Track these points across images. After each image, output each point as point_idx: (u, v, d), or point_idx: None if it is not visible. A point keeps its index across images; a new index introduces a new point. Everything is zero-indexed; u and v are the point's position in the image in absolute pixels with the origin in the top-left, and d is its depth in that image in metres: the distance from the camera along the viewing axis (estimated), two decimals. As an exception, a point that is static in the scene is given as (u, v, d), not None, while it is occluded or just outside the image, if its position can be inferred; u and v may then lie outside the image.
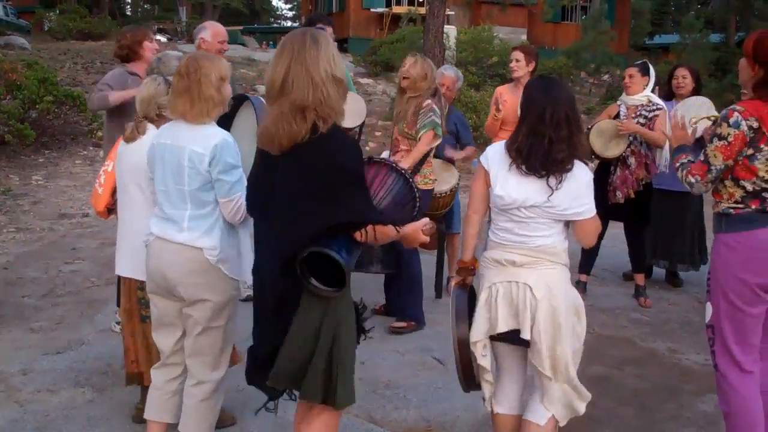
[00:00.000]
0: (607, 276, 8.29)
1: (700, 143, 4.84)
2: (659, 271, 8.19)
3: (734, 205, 3.88)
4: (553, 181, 3.56)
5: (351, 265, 3.11)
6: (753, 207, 3.83)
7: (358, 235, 3.14)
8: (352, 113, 6.16)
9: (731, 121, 3.78)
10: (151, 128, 4.20)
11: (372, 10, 32.12)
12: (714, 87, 21.11)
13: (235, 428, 4.52)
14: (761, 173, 3.77)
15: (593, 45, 24.38)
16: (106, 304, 6.59)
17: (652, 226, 7.44)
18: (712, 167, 3.85)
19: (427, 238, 3.48)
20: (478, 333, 3.72)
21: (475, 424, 4.71)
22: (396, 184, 3.48)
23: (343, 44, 31.48)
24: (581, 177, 3.63)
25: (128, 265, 4.32)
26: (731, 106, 3.85)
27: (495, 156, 3.73)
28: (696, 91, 7.49)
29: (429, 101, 6.13)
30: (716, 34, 32.53)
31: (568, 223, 3.72)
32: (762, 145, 3.74)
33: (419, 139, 6.08)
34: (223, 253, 3.78)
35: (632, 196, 7.03)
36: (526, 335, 3.59)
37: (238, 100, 4.48)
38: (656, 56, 30.56)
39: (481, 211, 3.84)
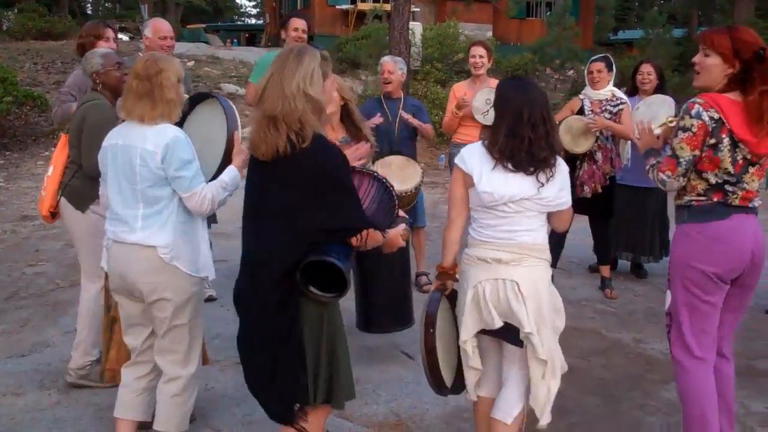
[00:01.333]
0: (573, 268, 8.35)
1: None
2: (625, 263, 8.27)
3: (696, 198, 3.92)
4: (542, 176, 3.61)
5: (349, 270, 3.21)
6: (715, 200, 3.87)
7: (354, 241, 3.27)
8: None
9: (693, 112, 3.81)
10: None
11: (337, 6, 32.00)
12: (677, 81, 21.27)
13: (205, 427, 4.50)
14: (724, 165, 3.80)
15: (558, 41, 24.47)
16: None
17: (616, 219, 7.51)
18: (681, 160, 3.87)
19: (404, 243, 3.70)
20: (468, 332, 3.74)
21: (445, 417, 4.73)
22: (378, 192, 3.60)
23: (309, 41, 31.30)
24: (563, 169, 3.73)
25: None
26: (691, 100, 3.88)
27: (474, 155, 3.72)
28: (660, 88, 7.56)
29: None
30: (679, 29, 32.81)
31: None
32: (723, 136, 3.77)
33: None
34: (177, 250, 3.78)
35: (599, 190, 7.09)
36: (527, 328, 3.59)
37: (196, 99, 4.40)
38: (620, 51, 30.79)
39: (464, 216, 3.82)
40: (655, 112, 7.21)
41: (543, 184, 3.61)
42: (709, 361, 3.99)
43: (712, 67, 3.86)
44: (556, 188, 3.67)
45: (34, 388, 4.99)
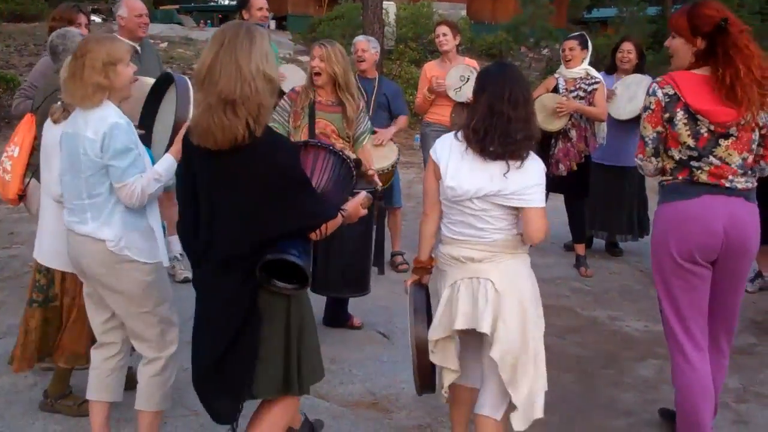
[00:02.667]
0: (548, 247, 8.36)
1: None
2: (600, 242, 8.28)
3: (666, 177, 3.95)
4: (511, 162, 3.46)
5: (309, 264, 3.13)
6: (680, 178, 3.86)
7: (312, 235, 3.19)
8: (294, 82, 6.05)
9: (650, 91, 3.88)
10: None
11: (310, -14, 31.83)
12: (651, 60, 21.26)
13: (180, 407, 4.48)
14: (683, 138, 3.79)
15: (532, 19, 24.46)
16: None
17: (591, 198, 7.53)
18: (647, 139, 3.90)
19: (365, 211, 3.60)
20: (439, 331, 3.64)
21: (420, 396, 4.72)
22: (335, 166, 3.52)
23: (281, 22, 31.19)
24: (534, 168, 3.54)
25: (37, 247, 4.35)
26: (652, 80, 3.97)
27: (444, 147, 3.64)
28: (639, 67, 7.56)
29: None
30: (653, 7, 32.82)
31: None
32: (678, 110, 3.78)
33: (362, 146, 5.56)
34: (126, 240, 3.68)
35: (575, 168, 7.10)
36: (484, 329, 3.48)
37: (167, 80, 4.32)
38: (594, 30, 30.78)
39: (438, 208, 3.73)
40: (633, 92, 7.24)
41: (508, 170, 3.46)
42: (698, 350, 3.95)
43: (677, 48, 3.96)
44: (520, 183, 3.48)
45: (9, 371, 4.94)
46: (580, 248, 7.59)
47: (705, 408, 3.93)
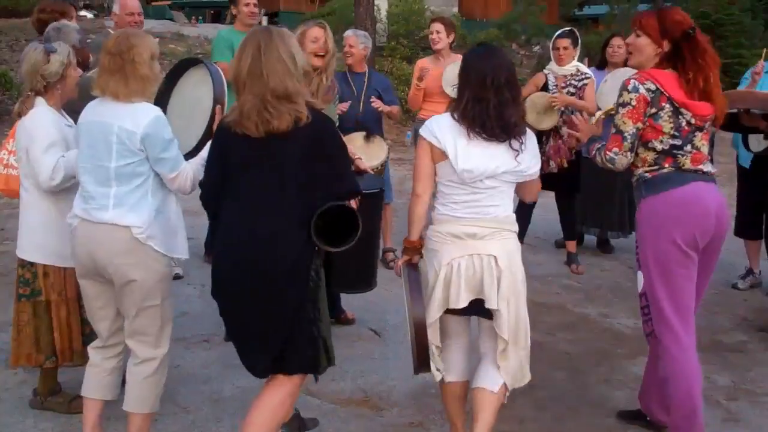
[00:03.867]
0: (539, 244, 8.37)
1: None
2: (591, 239, 8.29)
3: (649, 169, 3.99)
4: (516, 143, 3.63)
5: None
6: (666, 166, 3.94)
7: (353, 204, 3.61)
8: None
9: (630, 87, 3.92)
10: (39, 101, 4.12)
11: (302, -17, 31.76)
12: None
13: (172, 406, 4.47)
14: (666, 129, 3.90)
15: (523, 16, 24.50)
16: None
17: (583, 194, 7.53)
18: (626, 134, 3.93)
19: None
20: (435, 312, 3.71)
21: (411, 393, 4.73)
22: None
23: (273, 18, 31.12)
24: (532, 136, 3.78)
25: (18, 242, 4.33)
26: (628, 76, 4.02)
27: (445, 130, 3.67)
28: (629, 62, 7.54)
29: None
30: (644, 4, 32.83)
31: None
32: (664, 104, 3.88)
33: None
34: (152, 229, 3.70)
35: (565, 165, 7.10)
36: (493, 305, 3.60)
37: (185, 63, 4.40)
38: (586, 27, 30.75)
39: (429, 191, 3.78)
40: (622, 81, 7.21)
41: (519, 152, 3.63)
42: (690, 336, 4.02)
43: (642, 46, 4.05)
44: (530, 156, 3.71)
45: (0, 367, 4.92)
46: (571, 245, 7.60)
47: (699, 394, 3.98)
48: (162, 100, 4.19)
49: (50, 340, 4.26)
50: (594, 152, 4.15)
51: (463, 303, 3.65)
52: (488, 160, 3.60)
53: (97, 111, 3.73)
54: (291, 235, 3.35)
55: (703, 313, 6.15)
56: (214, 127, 3.72)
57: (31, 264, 4.23)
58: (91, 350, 4.02)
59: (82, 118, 3.78)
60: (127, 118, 3.63)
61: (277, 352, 3.43)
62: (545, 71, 7.45)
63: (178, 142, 3.81)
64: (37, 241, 4.14)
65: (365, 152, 6.06)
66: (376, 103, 6.84)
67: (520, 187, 3.88)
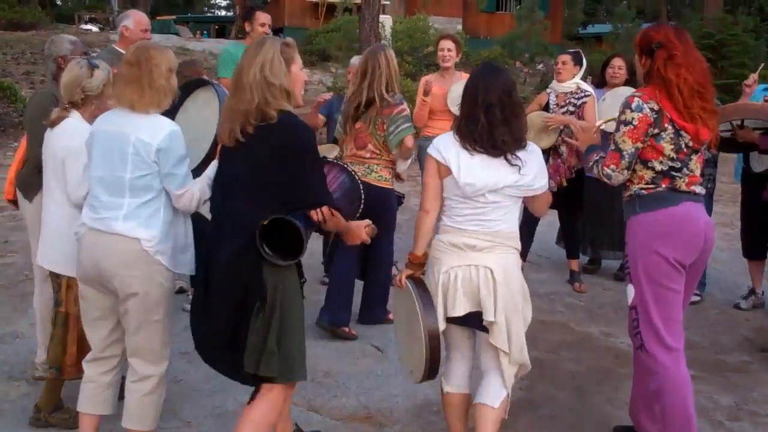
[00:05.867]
0: (542, 262, 8.37)
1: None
2: (585, 259, 8.23)
3: (645, 186, 4.02)
4: (513, 158, 3.65)
5: (306, 237, 3.36)
6: (663, 186, 3.98)
7: (313, 214, 3.45)
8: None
9: (633, 105, 3.95)
10: (74, 114, 4.13)
11: (307, -1, 31.93)
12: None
13: (174, 420, 4.47)
14: (667, 152, 3.93)
15: (527, 35, 24.62)
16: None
17: (593, 216, 7.56)
18: (624, 153, 3.97)
19: (368, 238, 3.81)
20: (440, 319, 3.74)
21: (414, 410, 4.72)
22: (345, 182, 3.72)
23: (278, 33, 31.24)
24: (537, 153, 3.79)
25: (42, 253, 4.33)
26: (630, 94, 4.06)
27: (449, 147, 3.74)
28: (630, 83, 7.52)
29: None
30: (648, 23, 32.99)
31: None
32: (666, 125, 3.90)
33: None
34: (162, 244, 3.71)
35: (564, 184, 7.10)
36: (490, 317, 3.63)
37: (192, 85, 4.44)
38: (589, 45, 30.97)
39: (437, 206, 3.83)
40: (620, 101, 7.20)
41: (519, 167, 3.65)
42: (680, 349, 4.05)
43: (637, 64, 4.17)
44: (534, 171, 3.72)
45: (2, 380, 4.93)
46: (574, 264, 7.58)
47: (692, 403, 4.01)
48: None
49: (58, 353, 4.26)
50: (592, 163, 4.19)
51: (460, 311, 3.68)
52: (489, 174, 3.64)
53: (113, 121, 3.72)
54: (246, 244, 3.37)
55: (705, 333, 6.17)
56: (218, 148, 3.77)
57: (57, 275, 4.24)
58: (86, 365, 4.00)
59: (96, 127, 3.78)
60: (145, 130, 3.64)
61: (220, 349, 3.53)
62: (548, 90, 7.48)
63: None
64: (65, 253, 4.10)
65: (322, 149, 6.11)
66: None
67: (529, 201, 3.92)
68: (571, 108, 7.10)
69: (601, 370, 5.53)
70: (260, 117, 3.37)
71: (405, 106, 5.78)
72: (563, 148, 7.08)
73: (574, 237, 7.56)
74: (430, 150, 3.80)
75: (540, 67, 25.52)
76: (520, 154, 3.68)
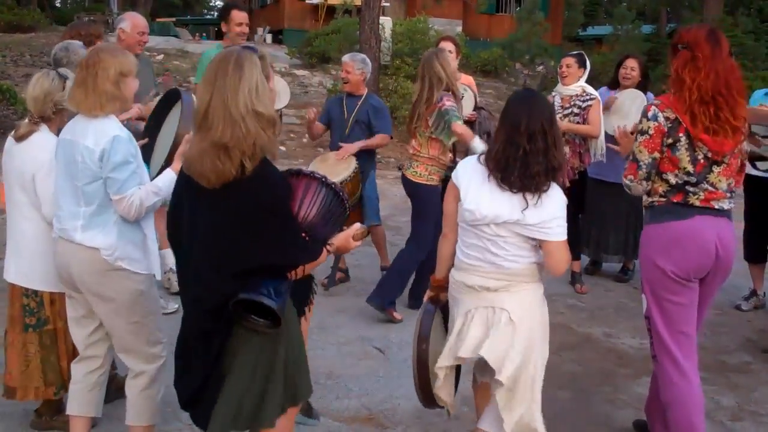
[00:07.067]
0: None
1: None
2: (587, 260, 8.22)
3: (658, 199, 3.98)
4: (529, 196, 3.46)
5: (284, 305, 3.05)
6: (674, 201, 3.90)
7: (290, 275, 3.12)
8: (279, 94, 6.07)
9: (649, 115, 3.89)
10: (43, 128, 4.05)
11: (307, 1, 31.87)
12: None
13: (176, 421, 4.46)
14: (683, 164, 3.84)
15: (527, 36, 24.55)
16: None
17: (595, 218, 7.58)
18: (641, 163, 3.93)
19: (359, 243, 3.52)
20: (447, 359, 3.66)
21: (416, 411, 4.71)
22: (326, 199, 3.37)
23: (278, 35, 31.25)
24: (555, 201, 3.55)
25: (12, 269, 4.19)
26: (650, 101, 3.97)
27: (466, 171, 3.65)
28: (642, 86, 7.46)
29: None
30: (648, 25, 32.98)
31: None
32: (680, 135, 3.82)
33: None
34: (121, 250, 3.69)
35: (567, 185, 7.08)
36: (483, 352, 3.49)
37: (174, 95, 4.39)
38: (589, 47, 30.90)
39: (455, 230, 3.75)
40: (627, 109, 7.19)
41: (527, 206, 3.46)
42: (690, 362, 4.00)
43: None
44: (542, 215, 3.49)
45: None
46: (576, 265, 7.58)
47: (701, 422, 3.96)
48: (153, 131, 4.24)
49: (59, 370, 4.22)
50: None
51: (463, 353, 3.58)
52: (492, 205, 3.50)
53: (71, 129, 3.71)
54: (205, 297, 3.07)
55: (707, 334, 6.17)
56: (176, 157, 3.71)
57: (35, 293, 4.15)
58: (73, 366, 4.02)
59: (61, 135, 3.77)
60: (90, 136, 3.60)
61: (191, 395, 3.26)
62: (553, 93, 7.46)
63: (150, 170, 3.81)
64: (42, 268, 4.06)
65: (328, 169, 6.09)
66: (341, 152, 6.75)
67: (544, 256, 3.63)
68: (576, 110, 7.11)
69: (602, 371, 5.53)
70: (249, 159, 2.94)
71: (445, 100, 6.01)
72: (566, 149, 7.06)
73: (575, 238, 7.53)
74: (453, 174, 3.74)
75: (540, 68, 25.48)
76: (537, 194, 3.47)
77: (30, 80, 4.09)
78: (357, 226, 3.50)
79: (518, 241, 3.55)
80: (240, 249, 3.00)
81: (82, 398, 3.97)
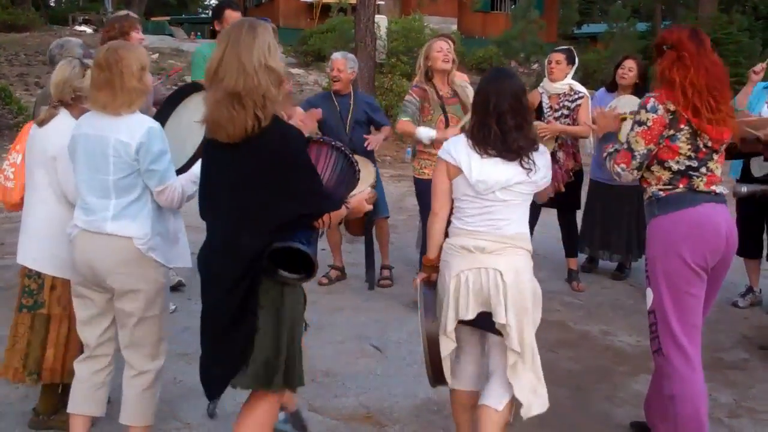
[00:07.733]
0: (540, 261, 8.29)
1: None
2: (584, 257, 8.22)
3: (663, 187, 3.98)
4: (525, 162, 3.65)
5: (314, 254, 3.22)
6: (681, 186, 3.93)
7: (317, 224, 3.31)
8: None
9: (648, 106, 3.92)
10: (63, 113, 4.10)
11: (302, -1, 31.90)
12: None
13: (173, 420, 4.46)
14: (683, 151, 3.90)
15: (522, 34, 24.58)
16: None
17: (597, 218, 7.59)
18: (636, 153, 3.95)
19: (370, 206, 3.74)
20: (451, 323, 3.72)
21: (414, 410, 4.72)
22: (338, 162, 3.57)
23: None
24: (545, 151, 3.81)
25: (20, 249, 4.25)
26: (647, 94, 4.03)
27: (460, 148, 3.73)
28: (640, 88, 7.21)
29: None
30: (643, 23, 33.03)
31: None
32: (682, 126, 3.87)
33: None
34: (153, 240, 3.72)
35: (562, 189, 7.04)
36: (500, 319, 3.59)
37: (189, 88, 4.43)
38: (584, 45, 30.96)
39: (447, 207, 3.83)
40: (625, 108, 7.15)
41: (532, 169, 3.66)
42: (698, 355, 4.02)
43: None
44: (544, 168, 3.74)
45: (2, 382, 4.88)
46: (573, 263, 7.57)
47: (706, 413, 3.99)
48: (159, 122, 4.24)
49: (38, 357, 4.19)
50: (606, 154, 4.19)
51: (471, 315, 3.66)
52: (501, 172, 3.64)
53: (92, 124, 3.71)
54: (243, 249, 3.21)
55: (704, 331, 6.11)
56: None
57: (39, 275, 4.18)
58: (78, 364, 3.99)
59: (77, 130, 3.77)
60: (123, 131, 3.62)
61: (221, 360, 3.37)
62: (539, 89, 7.35)
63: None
64: (50, 251, 4.09)
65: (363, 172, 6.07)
66: (371, 144, 6.88)
67: None
68: (566, 111, 7.06)
69: (599, 369, 5.54)
70: (261, 110, 3.11)
71: (410, 92, 6.29)
72: (560, 153, 7.06)
73: (572, 236, 7.54)
74: (441, 153, 3.81)
75: (535, 66, 25.50)
76: (532, 156, 3.69)
77: (24, 79, 4.10)
78: (369, 190, 3.78)
79: (519, 201, 3.73)
80: (270, 203, 3.19)
81: (87, 397, 3.95)
